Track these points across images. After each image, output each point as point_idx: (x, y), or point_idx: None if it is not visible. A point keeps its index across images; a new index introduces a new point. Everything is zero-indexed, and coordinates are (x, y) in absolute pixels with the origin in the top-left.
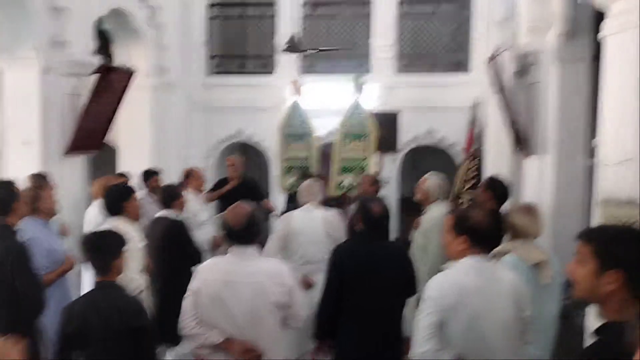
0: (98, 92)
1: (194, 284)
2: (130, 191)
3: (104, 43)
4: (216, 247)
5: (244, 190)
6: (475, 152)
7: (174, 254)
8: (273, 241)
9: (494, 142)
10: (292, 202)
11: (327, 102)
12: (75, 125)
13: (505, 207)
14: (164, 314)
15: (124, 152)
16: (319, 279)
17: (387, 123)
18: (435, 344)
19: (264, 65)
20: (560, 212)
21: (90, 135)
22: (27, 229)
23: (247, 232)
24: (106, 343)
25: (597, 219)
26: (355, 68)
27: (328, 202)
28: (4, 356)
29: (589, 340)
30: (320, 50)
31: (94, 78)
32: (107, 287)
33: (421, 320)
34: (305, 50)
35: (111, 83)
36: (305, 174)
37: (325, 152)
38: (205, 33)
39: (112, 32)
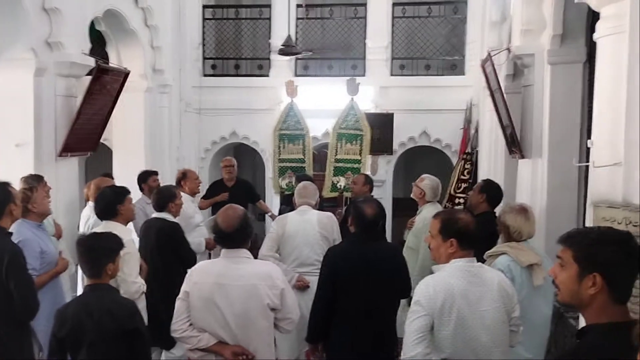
0: (92, 93)
1: (186, 287)
2: (125, 193)
3: (98, 44)
4: (212, 249)
5: (238, 192)
6: (469, 154)
7: (168, 256)
8: (267, 243)
9: (487, 144)
10: (287, 204)
11: (322, 103)
12: (69, 126)
13: (499, 208)
14: (157, 317)
15: (118, 153)
16: (314, 281)
17: (382, 124)
18: (425, 348)
19: (259, 66)
20: (553, 213)
21: (85, 136)
22: (19, 231)
23: (239, 235)
24: (99, 346)
25: (589, 221)
26: (350, 70)
27: (323, 204)
28: None
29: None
30: (315, 52)
31: (88, 79)
32: (100, 289)
33: (411, 324)
34: (300, 52)
35: (105, 84)
36: (300, 176)
37: (320, 154)
38: (199, 34)
39: (106, 33)
